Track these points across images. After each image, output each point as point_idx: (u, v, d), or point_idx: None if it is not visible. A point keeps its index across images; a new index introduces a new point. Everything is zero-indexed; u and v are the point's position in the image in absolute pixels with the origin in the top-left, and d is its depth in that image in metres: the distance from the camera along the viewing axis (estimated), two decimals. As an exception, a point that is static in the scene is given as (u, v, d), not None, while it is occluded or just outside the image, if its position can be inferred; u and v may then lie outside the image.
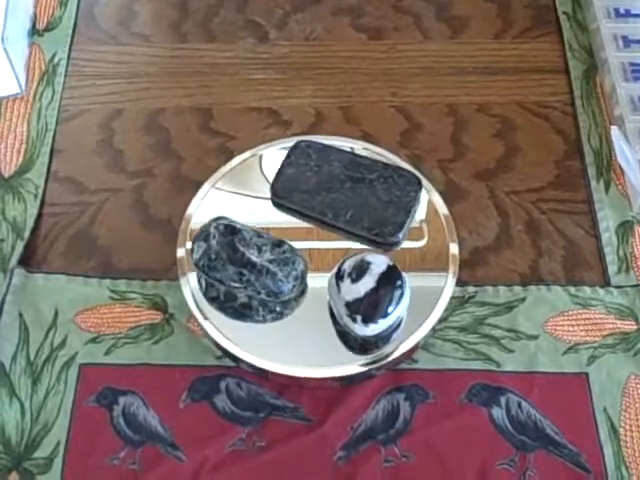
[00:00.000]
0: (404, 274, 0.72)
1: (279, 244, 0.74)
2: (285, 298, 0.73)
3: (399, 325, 0.73)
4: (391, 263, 0.72)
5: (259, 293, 0.72)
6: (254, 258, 0.72)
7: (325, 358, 0.72)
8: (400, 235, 0.77)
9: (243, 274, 0.72)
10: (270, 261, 0.72)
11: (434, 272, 0.76)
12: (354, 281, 0.71)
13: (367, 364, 0.71)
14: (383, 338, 0.72)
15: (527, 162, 0.90)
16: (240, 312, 0.74)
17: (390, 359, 0.72)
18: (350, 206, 0.78)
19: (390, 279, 0.71)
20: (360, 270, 0.71)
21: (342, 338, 0.73)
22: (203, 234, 0.75)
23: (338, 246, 0.78)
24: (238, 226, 0.75)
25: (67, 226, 0.85)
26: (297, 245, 0.75)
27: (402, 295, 0.71)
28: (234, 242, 0.73)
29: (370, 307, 0.70)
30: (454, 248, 0.78)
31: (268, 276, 0.72)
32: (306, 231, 0.79)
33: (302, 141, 0.83)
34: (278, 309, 0.74)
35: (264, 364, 0.71)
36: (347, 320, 0.71)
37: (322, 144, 0.82)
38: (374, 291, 0.71)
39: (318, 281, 0.75)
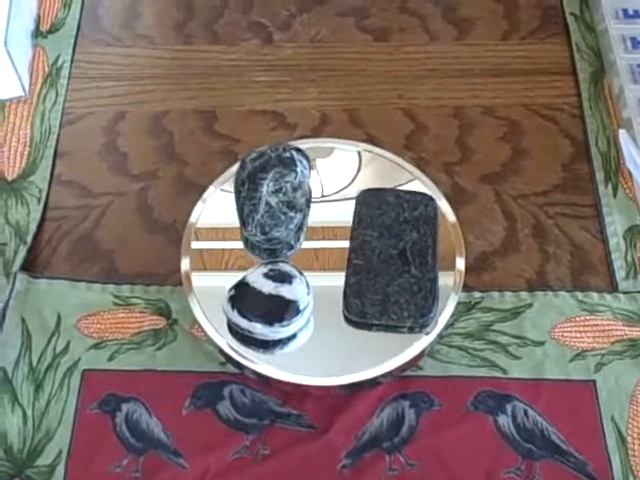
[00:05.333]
0: (294, 335, 0.71)
1: (293, 209, 0.74)
2: (245, 233, 0.75)
3: (265, 344, 0.71)
4: (300, 307, 0.70)
5: (238, 209, 0.75)
6: (263, 187, 0.74)
7: (331, 365, 0.71)
8: (353, 318, 0.72)
9: (244, 186, 0.75)
10: (267, 204, 0.73)
11: (440, 278, 0.75)
12: (265, 275, 0.72)
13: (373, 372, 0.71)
14: (243, 337, 0.71)
15: (534, 165, 0.89)
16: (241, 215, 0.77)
17: (396, 366, 0.71)
18: (367, 261, 0.74)
19: (276, 311, 0.70)
20: (279, 275, 0.72)
21: None
22: (281, 145, 0.78)
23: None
24: (298, 168, 0.76)
25: (70, 230, 0.85)
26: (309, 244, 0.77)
27: (265, 322, 0.70)
28: (274, 167, 0.75)
29: (241, 298, 0.71)
30: (460, 263, 0.76)
31: (250, 206, 0.74)
32: (312, 230, 0.79)
33: (430, 198, 0.78)
34: (245, 237, 0.77)
35: (268, 371, 0.70)
36: (230, 287, 0.72)
37: (435, 217, 0.77)
38: (258, 295, 0.70)
39: (325, 290, 0.74)
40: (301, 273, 0.73)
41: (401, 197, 0.78)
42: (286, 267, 0.73)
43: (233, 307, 0.71)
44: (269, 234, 0.74)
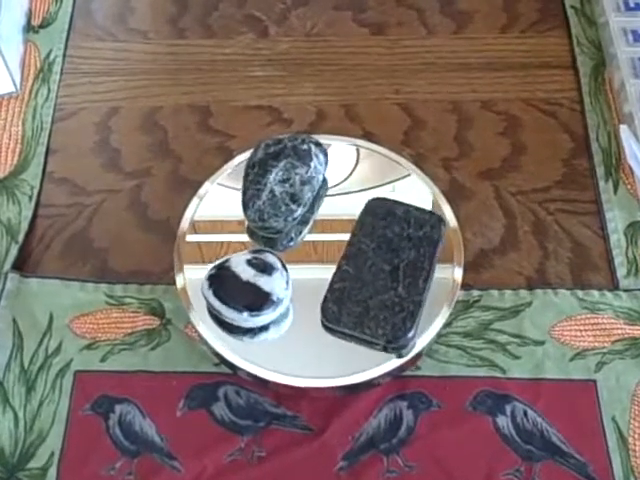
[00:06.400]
0: (266, 327, 0.71)
1: (296, 202, 0.74)
2: (247, 216, 0.75)
3: (235, 329, 0.71)
4: (274, 300, 0.69)
5: (242, 191, 0.75)
6: (271, 175, 0.74)
7: (327, 367, 0.70)
8: (327, 324, 0.70)
9: (253, 169, 0.76)
10: (271, 192, 0.73)
11: (437, 277, 0.74)
12: (248, 261, 0.71)
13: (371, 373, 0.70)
14: (216, 317, 0.71)
15: (533, 161, 0.87)
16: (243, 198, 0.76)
17: (394, 367, 0.70)
18: (357, 269, 0.72)
19: (248, 299, 0.69)
20: (261, 265, 0.71)
21: None
22: (301, 136, 0.77)
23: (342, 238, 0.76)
24: (312, 162, 0.76)
25: (63, 228, 0.83)
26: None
27: (236, 308, 0.69)
28: (287, 157, 0.74)
29: (219, 280, 0.71)
30: (456, 287, 0.74)
31: (253, 191, 0.74)
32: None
33: (439, 219, 0.75)
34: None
35: (263, 373, 0.69)
36: (213, 266, 0.72)
37: (439, 240, 0.74)
38: (236, 280, 0.70)
39: (322, 284, 0.73)
40: (284, 267, 0.72)
41: (410, 213, 0.76)
42: (271, 258, 0.72)
43: (210, 286, 0.71)
44: (266, 222, 0.74)
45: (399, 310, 0.70)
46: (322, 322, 0.71)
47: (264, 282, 0.70)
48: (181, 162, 0.88)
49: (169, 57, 0.96)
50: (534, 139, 0.89)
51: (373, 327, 0.69)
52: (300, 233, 0.77)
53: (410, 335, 0.69)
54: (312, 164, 0.76)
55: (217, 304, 0.70)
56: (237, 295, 0.70)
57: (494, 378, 0.74)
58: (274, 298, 0.70)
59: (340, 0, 1.01)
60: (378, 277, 0.71)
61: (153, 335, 0.76)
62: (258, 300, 0.70)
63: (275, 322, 0.71)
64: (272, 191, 0.74)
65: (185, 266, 0.76)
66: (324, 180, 0.79)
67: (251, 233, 0.77)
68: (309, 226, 0.78)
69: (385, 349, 0.69)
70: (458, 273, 0.74)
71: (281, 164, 0.75)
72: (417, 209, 0.76)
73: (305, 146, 0.76)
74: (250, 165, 0.76)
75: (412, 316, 0.69)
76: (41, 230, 0.83)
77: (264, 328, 0.71)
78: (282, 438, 0.71)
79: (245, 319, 0.70)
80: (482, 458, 0.70)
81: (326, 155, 0.78)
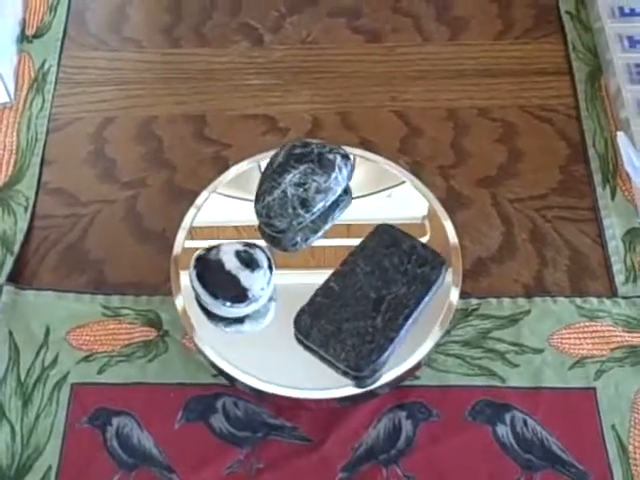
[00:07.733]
0: (241, 320, 0.71)
1: (305, 207, 0.74)
2: (255, 209, 0.76)
3: (211, 314, 0.72)
4: (248, 296, 0.69)
5: (258, 184, 0.76)
6: (289, 175, 0.74)
7: (325, 378, 0.69)
8: (297, 334, 0.70)
9: (273, 166, 0.76)
10: (283, 192, 0.74)
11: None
12: (237, 252, 0.72)
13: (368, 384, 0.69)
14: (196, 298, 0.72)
15: (530, 168, 0.87)
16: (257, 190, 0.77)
17: (393, 377, 0.69)
18: (342, 289, 0.71)
19: (224, 289, 0.70)
20: (247, 259, 0.71)
21: None
22: (330, 145, 0.77)
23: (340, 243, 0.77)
24: (334, 173, 0.75)
25: (58, 240, 0.83)
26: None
27: (211, 293, 0.70)
28: (310, 162, 0.75)
29: (204, 262, 0.71)
30: (454, 295, 0.73)
31: (267, 186, 0.75)
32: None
33: (442, 262, 0.72)
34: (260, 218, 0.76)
35: (261, 385, 0.69)
36: (207, 248, 0.73)
37: (434, 283, 0.71)
38: (219, 266, 0.71)
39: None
40: (270, 267, 0.71)
41: (415, 248, 0.73)
42: (259, 255, 0.72)
43: (195, 266, 0.72)
44: (271, 220, 0.74)
45: (369, 340, 0.68)
46: (294, 333, 0.71)
47: (245, 277, 0.71)
48: (176, 172, 0.87)
49: (164, 66, 0.96)
50: (531, 146, 0.89)
51: (338, 350, 0.68)
52: (307, 240, 0.77)
53: (372, 367, 0.67)
54: (333, 175, 0.76)
55: (197, 285, 0.71)
56: (216, 282, 0.71)
57: (493, 387, 0.73)
58: (250, 294, 0.70)
59: (335, 7, 1.01)
60: (360, 302, 0.70)
61: (150, 347, 0.76)
62: (234, 292, 0.70)
63: (251, 317, 0.72)
64: (285, 191, 0.74)
65: (182, 277, 0.75)
66: (346, 193, 0.79)
67: (259, 227, 0.77)
68: (318, 235, 0.77)
69: (345, 374, 0.68)
70: (457, 282, 0.74)
71: (301, 168, 0.75)
72: (424, 246, 0.74)
73: (331, 156, 0.76)
74: (271, 162, 0.77)
75: (380, 350, 0.68)
76: (37, 241, 0.83)
77: (239, 320, 0.72)
78: (281, 450, 0.71)
79: (218, 306, 0.70)
80: (482, 468, 0.70)
81: (351, 170, 0.78)
